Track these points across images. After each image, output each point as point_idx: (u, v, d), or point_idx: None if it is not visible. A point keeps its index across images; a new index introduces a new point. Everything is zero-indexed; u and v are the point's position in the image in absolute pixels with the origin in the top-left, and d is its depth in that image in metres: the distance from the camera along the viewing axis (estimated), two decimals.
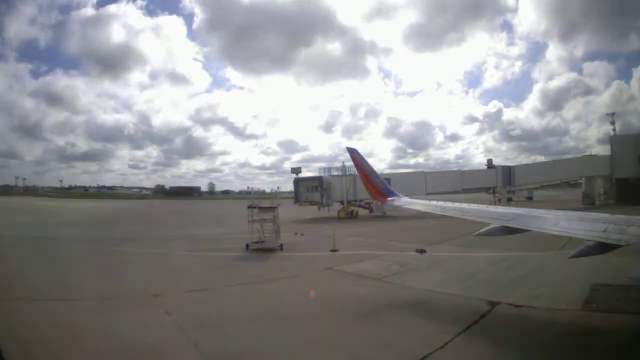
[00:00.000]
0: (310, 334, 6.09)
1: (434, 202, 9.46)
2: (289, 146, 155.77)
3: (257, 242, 15.29)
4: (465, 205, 8.43)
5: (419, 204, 9.57)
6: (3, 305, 7.16)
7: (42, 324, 6.28)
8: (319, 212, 36.03)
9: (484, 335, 5.78)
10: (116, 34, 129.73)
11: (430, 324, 6.38)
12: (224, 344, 5.65)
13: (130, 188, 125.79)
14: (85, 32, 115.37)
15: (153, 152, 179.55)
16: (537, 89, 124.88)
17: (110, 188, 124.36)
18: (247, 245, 15.09)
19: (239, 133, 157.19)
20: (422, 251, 13.64)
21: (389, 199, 10.12)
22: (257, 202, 16.98)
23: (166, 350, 5.42)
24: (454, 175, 39.24)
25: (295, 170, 38.12)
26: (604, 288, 7.85)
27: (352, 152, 10.56)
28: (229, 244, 16.53)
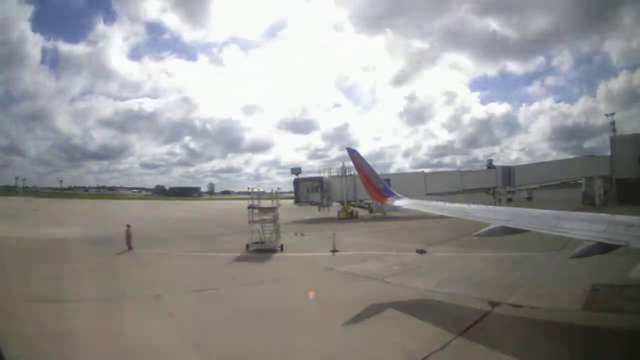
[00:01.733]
0: (312, 334, 6.10)
1: (433, 203, 9.46)
2: (336, 139, 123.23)
3: (257, 243, 15.25)
4: (464, 206, 8.46)
5: (419, 205, 9.58)
6: None
7: None
8: (319, 213, 36.01)
9: (484, 335, 5.79)
10: None
11: (432, 324, 6.38)
12: (225, 345, 5.67)
13: (130, 188, 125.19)
14: None
15: (175, 148, 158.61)
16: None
17: (110, 189, 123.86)
18: (248, 246, 15.07)
19: (294, 125, 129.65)
20: (422, 252, 13.65)
21: (389, 199, 10.13)
22: (257, 203, 16.99)
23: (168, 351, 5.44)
24: (453, 175, 39.23)
25: (295, 171, 38.14)
26: (604, 288, 7.87)
27: (352, 153, 10.51)
28: (229, 244, 16.58)
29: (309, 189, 36.80)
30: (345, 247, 14.99)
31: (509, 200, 37.84)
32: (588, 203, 36.45)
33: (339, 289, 9.23)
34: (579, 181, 42.22)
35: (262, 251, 14.74)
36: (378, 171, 11.71)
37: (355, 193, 34.63)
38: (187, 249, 15.79)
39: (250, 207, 16.16)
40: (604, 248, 5.04)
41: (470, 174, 39.28)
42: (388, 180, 34.13)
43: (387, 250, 14.70)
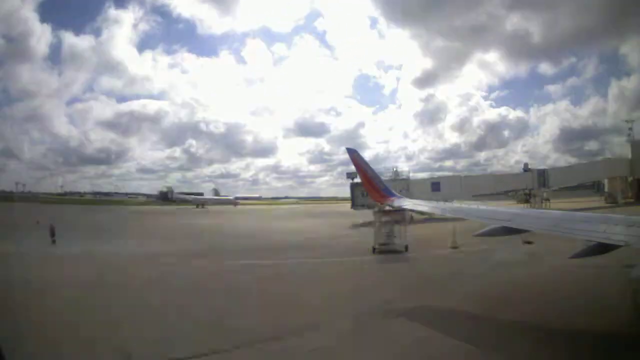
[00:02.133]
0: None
1: (433, 203, 9.75)
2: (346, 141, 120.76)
3: (382, 245, 16.36)
4: (464, 206, 8.88)
5: (419, 205, 10.09)
6: None
7: None
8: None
9: None
10: None
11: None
12: None
13: (126, 194, 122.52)
14: None
15: (175, 153, 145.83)
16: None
17: (106, 194, 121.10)
18: (374, 249, 16.18)
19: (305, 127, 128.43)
20: (529, 242, 14.77)
21: (390, 199, 10.48)
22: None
23: None
24: (491, 178, 42.63)
25: (351, 176, 40.19)
26: None
27: (352, 154, 10.95)
28: (339, 248, 18.04)
29: (363, 193, 39.17)
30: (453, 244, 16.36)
31: (528, 200, 40.21)
32: (611, 202, 40.18)
33: (526, 272, 10.62)
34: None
35: (387, 252, 15.81)
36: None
37: (409, 196, 37.49)
38: (304, 255, 16.95)
39: (377, 210, 17.62)
40: (604, 248, 5.16)
41: (507, 177, 42.87)
42: (438, 184, 37.17)
43: (494, 244, 15.70)
